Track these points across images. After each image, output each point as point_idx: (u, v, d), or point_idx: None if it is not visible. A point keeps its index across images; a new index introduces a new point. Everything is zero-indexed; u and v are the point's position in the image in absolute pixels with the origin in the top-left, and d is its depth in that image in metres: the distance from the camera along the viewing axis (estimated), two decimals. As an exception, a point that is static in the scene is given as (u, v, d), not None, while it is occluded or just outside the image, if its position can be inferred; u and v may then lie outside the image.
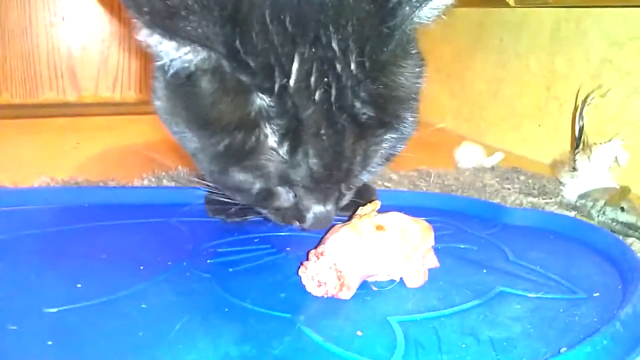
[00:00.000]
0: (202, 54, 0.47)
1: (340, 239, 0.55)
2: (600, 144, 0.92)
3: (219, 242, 0.67)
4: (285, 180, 0.52)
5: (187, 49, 0.46)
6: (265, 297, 0.54)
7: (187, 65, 0.48)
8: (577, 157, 0.93)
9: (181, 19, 0.44)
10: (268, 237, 0.69)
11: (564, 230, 0.76)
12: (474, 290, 0.57)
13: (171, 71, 0.49)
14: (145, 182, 0.93)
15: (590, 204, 0.86)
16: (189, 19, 0.44)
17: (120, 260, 0.60)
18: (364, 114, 0.49)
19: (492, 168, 1.17)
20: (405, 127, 0.54)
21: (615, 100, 1.06)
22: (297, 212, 0.56)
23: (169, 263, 0.60)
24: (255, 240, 0.68)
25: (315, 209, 0.55)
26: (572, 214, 0.87)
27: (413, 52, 0.53)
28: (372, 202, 0.60)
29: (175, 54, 0.47)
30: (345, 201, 0.59)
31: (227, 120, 0.49)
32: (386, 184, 1.01)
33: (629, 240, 0.77)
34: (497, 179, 1.08)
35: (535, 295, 0.56)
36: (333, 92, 0.47)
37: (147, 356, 0.43)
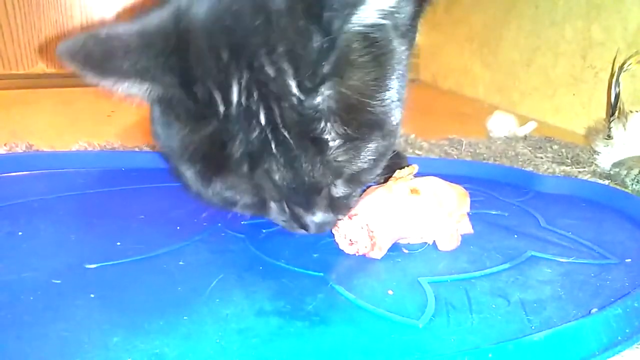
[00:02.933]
0: (146, 86, 0.49)
1: (373, 200, 0.56)
2: (636, 111, 0.90)
3: (253, 205, 0.68)
4: (261, 195, 0.53)
5: (126, 84, 0.48)
6: (298, 257, 0.55)
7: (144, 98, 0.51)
8: (612, 124, 0.91)
9: (117, 59, 0.47)
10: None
11: (596, 197, 0.75)
12: (504, 255, 0.57)
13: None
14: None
15: (625, 172, 0.85)
16: (127, 57, 0.46)
17: (157, 221, 0.62)
18: (313, 129, 0.48)
19: (525, 137, 1.16)
20: (367, 134, 0.51)
21: (653, 68, 1.04)
22: (297, 221, 0.56)
23: (205, 224, 0.61)
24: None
25: (309, 219, 0.55)
26: (606, 182, 0.86)
27: (367, 57, 0.50)
28: (410, 166, 0.61)
29: (125, 89, 0.49)
30: (354, 200, 0.57)
31: (192, 146, 0.51)
32: (417, 151, 1.01)
33: (663, 209, 0.76)
34: (530, 148, 1.07)
35: (566, 260, 0.56)
36: (276, 112, 0.48)
37: (185, 309, 0.45)
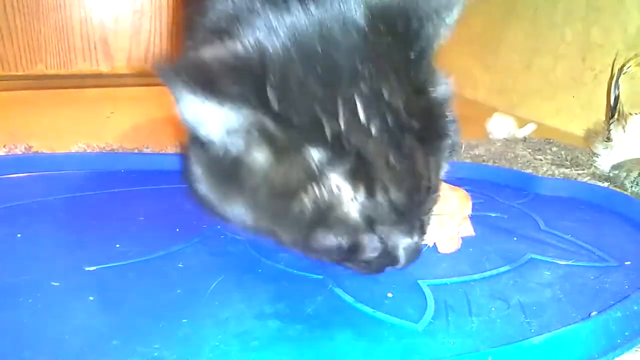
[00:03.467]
0: (245, 116, 0.44)
1: None
2: (636, 114, 0.91)
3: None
4: (371, 224, 0.48)
5: (232, 113, 0.43)
6: (298, 259, 0.54)
7: (233, 140, 0.45)
8: (611, 127, 0.92)
9: (222, 83, 0.42)
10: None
11: (595, 200, 0.75)
12: (504, 257, 0.57)
13: (215, 153, 0.47)
14: (179, 150, 0.95)
15: (624, 174, 0.85)
16: (228, 81, 0.42)
17: (157, 223, 0.62)
18: (422, 129, 0.48)
19: (524, 139, 1.16)
20: (451, 132, 0.52)
21: (652, 71, 1.04)
22: (387, 256, 0.51)
23: (204, 226, 0.61)
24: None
25: (404, 244, 0.50)
26: (605, 184, 0.86)
27: (434, 66, 0.52)
28: None
29: (219, 126, 0.44)
30: (428, 226, 0.54)
31: (292, 184, 0.46)
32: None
33: (663, 211, 0.77)
34: (529, 150, 1.07)
35: (565, 263, 0.56)
36: (389, 119, 0.46)
37: (185, 312, 0.45)
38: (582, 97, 1.26)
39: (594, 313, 0.45)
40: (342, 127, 0.45)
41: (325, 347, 0.42)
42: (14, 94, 1.45)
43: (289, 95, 0.44)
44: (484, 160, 0.99)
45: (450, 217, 0.58)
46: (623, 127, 0.90)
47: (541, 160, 1.01)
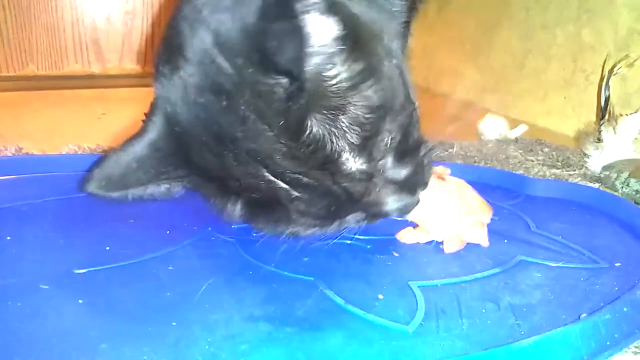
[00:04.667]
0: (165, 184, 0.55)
1: None
2: (626, 115, 0.91)
3: (243, 209, 0.68)
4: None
5: (149, 189, 0.55)
6: (288, 261, 0.55)
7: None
8: (602, 128, 0.92)
9: (135, 172, 0.54)
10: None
11: (586, 201, 0.76)
12: (494, 259, 0.57)
13: None
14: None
15: (615, 175, 0.85)
16: (142, 168, 0.53)
17: (147, 225, 0.62)
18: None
19: (516, 140, 1.16)
20: None
21: (642, 72, 1.04)
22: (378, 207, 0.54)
23: (195, 228, 0.61)
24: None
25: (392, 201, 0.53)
26: (596, 185, 0.87)
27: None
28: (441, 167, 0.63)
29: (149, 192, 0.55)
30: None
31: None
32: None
33: (653, 212, 0.77)
34: (521, 151, 1.07)
35: (556, 265, 0.56)
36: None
37: (174, 315, 0.45)
38: (573, 98, 1.26)
39: (583, 315, 0.45)
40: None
41: (316, 350, 0.41)
42: (4, 95, 1.45)
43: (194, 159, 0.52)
44: (475, 161, 1.00)
45: (466, 214, 0.59)
46: (614, 128, 0.90)
47: (532, 161, 1.01)
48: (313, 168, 0.48)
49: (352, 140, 0.48)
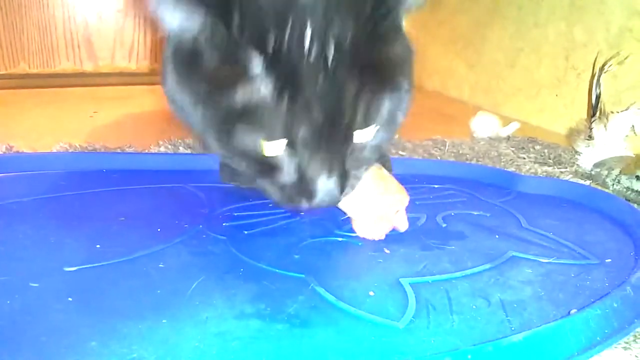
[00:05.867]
0: (200, 18, 0.49)
1: None
2: (617, 112, 0.91)
3: (234, 207, 0.68)
4: (291, 142, 0.52)
5: (184, 15, 0.49)
6: (279, 259, 0.55)
7: (188, 34, 0.51)
8: (593, 125, 0.92)
9: None
10: (282, 203, 0.70)
11: (577, 198, 0.76)
12: (485, 255, 0.57)
13: (175, 42, 0.53)
14: (162, 149, 0.94)
15: (606, 172, 0.85)
16: None
17: (138, 223, 0.62)
18: (364, 73, 0.51)
19: (508, 138, 1.16)
20: (401, 93, 0.55)
21: (633, 69, 1.05)
22: (303, 187, 0.54)
23: (186, 226, 0.61)
24: (270, 205, 0.69)
25: (321, 182, 0.53)
26: (587, 182, 0.87)
27: (401, 32, 0.56)
28: None
29: (175, 21, 0.50)
30: (349, 188, 0.56)
31: (228, 81, 0.50)
32: (400, 152, 1.02)
33: (644, 208, 0.77)
34: (513, 149, 1.08)
35: (547, 261, 0.57)
36: (332, 49, 0.49)
37: (164, 313, 0.44)
38: (565, 96, 1.27)
39: (573, 311, 0.45)
40: (285, 42, 0.49)
41: (306, 347, 0.41)
42: (-4, 93, 1.44)
43: (248, 3, 0.49)
44: (467, 159, 1.00)
45: (384, 192, 0.60)
46: (604, 126, 0.91)
47: (524, 158, 1.02)
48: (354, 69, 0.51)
49: (387, 80, 0.54)
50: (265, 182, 0.56)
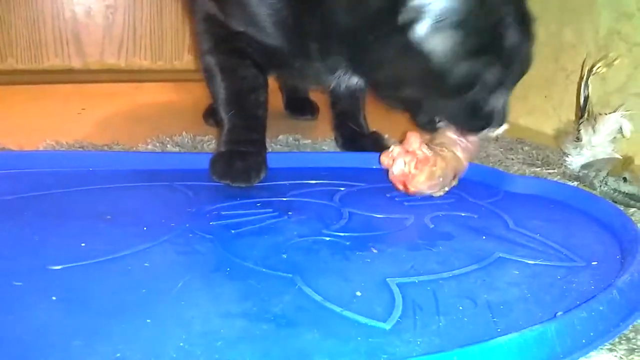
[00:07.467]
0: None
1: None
2: (605, 114, 0.91)
3: (222, 206, 0.68)
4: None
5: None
6: (266, 258, 0.54)
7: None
8: (581, 127, 0.92)
9: None
10: (270, 202, 0.70)
11: (565, 199, 0.76)
12: (472, 256, 0.57)
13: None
14: (150, 148, 0.94)
15: (593, 174, 0.86)
16: None
17: (124, 222, 0.61)
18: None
19: (496, 138, 1.16)
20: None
21: (621, 71, 1.05)
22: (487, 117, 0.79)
23: (172, 224, 0.61)
24: (258, 204, 0.69)
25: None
26: (575, 184, 0.87)
27: None
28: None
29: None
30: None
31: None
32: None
33: (630, 210, 0.78)
34: (501, 150, 1.08)
35: (533, 262, 0.57)
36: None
37: (149, 312, 0.44)
38: (554, 97, 1.27)
39: (559, 313, 0.45)
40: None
41: (292, 347, 0.41)
42: (-18, 89, 1.42)
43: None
44: (456, 159, 1.00)
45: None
46: (593, 127, 0.91)
47: (513, 159, 1.02)
48: None
49: None
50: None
